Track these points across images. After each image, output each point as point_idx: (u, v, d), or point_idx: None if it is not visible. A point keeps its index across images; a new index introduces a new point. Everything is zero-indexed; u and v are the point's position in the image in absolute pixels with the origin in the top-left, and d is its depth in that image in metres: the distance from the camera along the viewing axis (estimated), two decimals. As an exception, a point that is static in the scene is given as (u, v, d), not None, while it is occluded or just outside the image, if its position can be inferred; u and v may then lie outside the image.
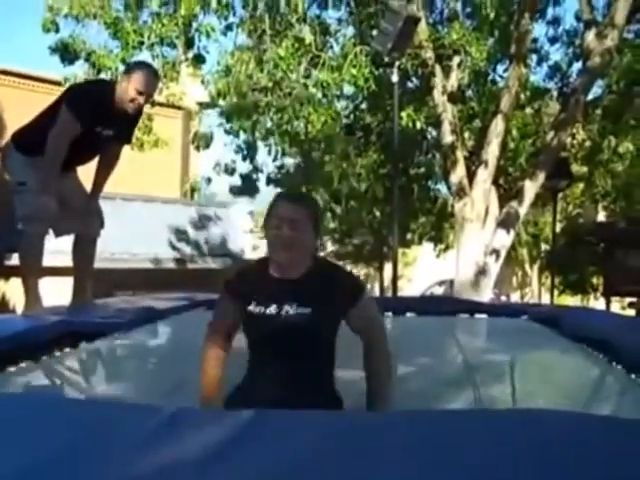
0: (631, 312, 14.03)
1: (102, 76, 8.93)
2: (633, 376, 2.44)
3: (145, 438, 1.22)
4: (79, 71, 9.56)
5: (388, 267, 16.51)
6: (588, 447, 1.25)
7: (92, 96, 3.76)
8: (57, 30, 9.31)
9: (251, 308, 2.38)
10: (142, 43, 9.08)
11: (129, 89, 3.68)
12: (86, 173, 4.13)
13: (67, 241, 4.04)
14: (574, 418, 1.45)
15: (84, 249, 4.03)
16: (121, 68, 8.20)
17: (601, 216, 19.39)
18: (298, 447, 1.20)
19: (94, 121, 3.68)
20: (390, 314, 4.36)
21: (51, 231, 3.89)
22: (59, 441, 1.20)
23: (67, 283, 4.07)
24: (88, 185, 4.14)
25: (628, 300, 14.97)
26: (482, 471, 1.11)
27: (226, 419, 1.32)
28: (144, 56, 9.25)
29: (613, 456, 1.20)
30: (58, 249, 4.71)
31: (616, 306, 16.69)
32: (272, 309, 2.36)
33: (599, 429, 1.36)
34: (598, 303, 18.80)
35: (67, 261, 4.04)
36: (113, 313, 2.72)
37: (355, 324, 2.43)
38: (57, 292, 4.68)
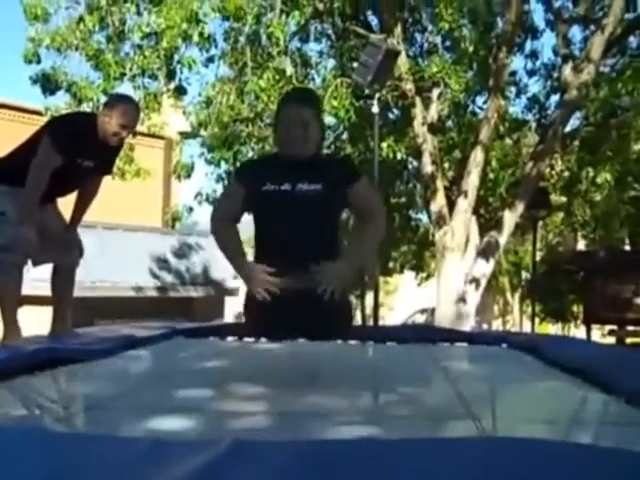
0: (611, 339, 14.12)
1: (83, 107, 8.95)
2: (611, 404, 2.45)
3: (123, 470, 1.22)
4: (60, 102, 9.60)
5: (370, 296, 16.54)
6: (563, 475, 1.25)
7: (74, 128, 3.77)
8: (39, 61, 9.34)
9: (266, 187, 2.64)
10: (124, 74, 9.12)
11: (112, 123, 3.69)
12: (67, 203, 4.13)
13: (47, 269, 4.03)
14: (550, 446, 1.46)
15: (63, 278, 4.02)
16: (102, 99, 8.22)
17: (581, 245, 19.56)
18: (278, 476, 1.20)
19: (75, 153, 3.69)
20: (371, 343, 4.36)
21: (29, 260, 3.88)
22: (35, 474, 1.19)
23: (47, 312, 4.05)
24: (69, 215, 4.14)
25: (608, 328, 15.07)
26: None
27: (206, 449, 1.32)
28: (125, 87, 9.30)
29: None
30: (38, 277, 4.69)
31: (596, 334, 16.79)
32: (286, 186, 2.62)
33: (575, 457, 1.37)
34: (579, 331, 18.89)
35: (47, 290, 4.03)
36: (93, 342, 2.72)
37: (355, 201, 2.71)
38: (37, 321, 4.65)
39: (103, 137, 3.73)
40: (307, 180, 2.63)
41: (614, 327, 14.15)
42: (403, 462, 1.28)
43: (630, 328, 13.84)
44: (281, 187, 2.61)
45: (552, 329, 20.24)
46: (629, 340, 13.54)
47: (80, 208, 4.12)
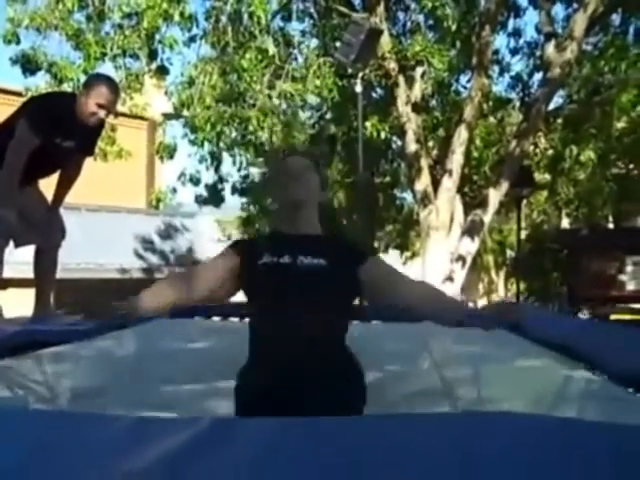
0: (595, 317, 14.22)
1: (64, 87, 8.85)
2: (595, 379, 2.47)
3: (104, 448, 1.21)
4: (41, 82, 9.48)
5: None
6: (546, 449, 1.25)
7: (51, 108, 3.74)
8: (18, 42, 9.21)
9: (263, 260, 2.28)
10: (104, 54, 9.02)
11: (89, 103, 3.65)
12: (49, 186, 4.10)
13: (29, 251, 4.01)
14: (532, 420, 1.46)
15: (45, 259, 4.00)
16: (83, 79, 8.14)
17: (565, 223, 19.65)
18: (261, 456, 1.20)
19: (53, 133, 3.65)
20: (357, 322, 4.36)
21: (11, 242, 3.85)
22: (20, 452, 1.18)
23: (29, 295, 4.03)
24: (51, 197, 4.11)
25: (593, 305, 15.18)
26: (431, 477, 1.10)
27: (189, 427, 1.32)
28: (107, 67, 9.21)
29: (571, 458, 1.21)
30: (20, 260, 4.66)
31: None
32: (286, 258, 2.27)
33: (558, 431, 1.37)
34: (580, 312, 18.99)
35: (29, 272, 4.00)
36: (75, 322, 2.70)
37: (370, 280, 2.31)
38: (19, 304, 4.63)
39: (81, 117, 3.69)
40: (310, 254, 2.29)
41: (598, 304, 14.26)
42: (388, 438, 1.28)
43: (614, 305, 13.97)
44: (280, 260, 2.27)
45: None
46: (613, 317, 13.65)
47: (62, 189, 4.09)
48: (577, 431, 1.33)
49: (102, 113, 3.73)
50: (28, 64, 9.27)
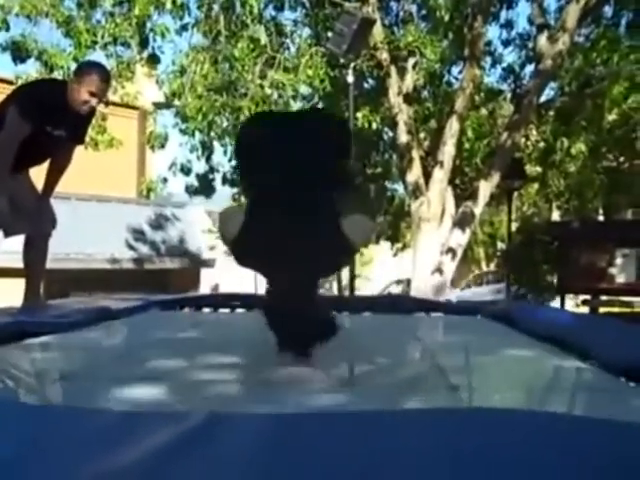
0: (584, 309, 14.28)
1: (55, 75, 8.78)
2: (585, 373, 2.48)
3: (93, 442, 1.20)
4: (31, 70, 9.42)
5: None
6: (535, 444, 1.25)
7: (41, 95, 3.70)
8: (8, 29, 9.13)
9: None
10: (95, 42, 8.96)
11: (81, 91, 3.62)
12: (39, 175, 4.07)
13: (18, 241, 3.98)
14: (521, 415, 1.46)
15: (35, 249, 3.97)
16: (74, 67, 8.08)
17: (555, 215, 19.69)
18: (249, 450, 1.19)
19: (44, 121, 3.62)
20: (347, 313, 4.37)
21: (0, 232, 3.82)
22: (9, 446, 1.17)
23: (19, 284, 4.01)
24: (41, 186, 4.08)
25: (582, 297, 15.22)
26: (418, 475, 1.10)
27: (178, 421, 1.31)
28: (97, 55, 9.14)
29: (560, 453, 1.21)
30: (9, 249, 4.63)
31: (570, 303, 16.96)
32: None
33: (546, 426, 1.36)
34: (553, 301, 19.06)
35: (19, 262, 3.97)
36: (65, 314, 2.68)
37: None
38: (8, 293, 4.60)
39: (73, 105, 3.66)
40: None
41: (587, 297, 14.29)
42: (382, 432, 1.27)
43: (603, 298, 13.99)
44: None
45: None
46: (602, 310, 13.70)
47: (52, 178, 4.06)
48: (569, 427, 1.33)
49: (94, 101, 3.70)
50: (18, 51, 9.19)
